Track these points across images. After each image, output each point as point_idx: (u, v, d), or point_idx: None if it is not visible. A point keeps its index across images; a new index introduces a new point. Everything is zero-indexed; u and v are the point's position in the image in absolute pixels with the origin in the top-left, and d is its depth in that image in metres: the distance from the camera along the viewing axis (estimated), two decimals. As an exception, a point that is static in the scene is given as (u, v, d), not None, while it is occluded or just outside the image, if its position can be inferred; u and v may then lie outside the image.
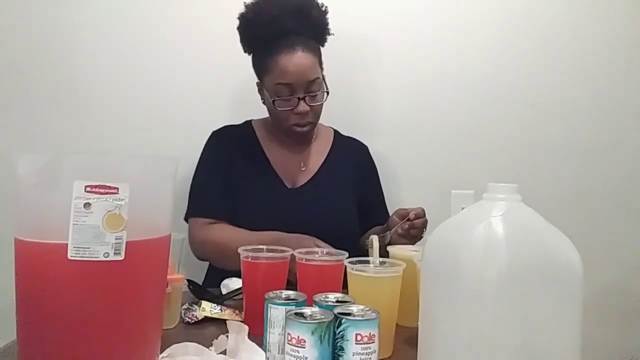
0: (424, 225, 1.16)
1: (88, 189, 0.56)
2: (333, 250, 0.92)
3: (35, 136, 1.47)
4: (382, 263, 0.85)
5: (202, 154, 1.35)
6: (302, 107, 1.23)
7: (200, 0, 1.53)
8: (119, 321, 0.60)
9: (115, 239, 0.57)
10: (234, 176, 1.30)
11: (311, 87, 1.23)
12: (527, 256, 0.56)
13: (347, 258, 0.86)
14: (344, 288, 0.85)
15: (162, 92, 1.52)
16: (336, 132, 1.47)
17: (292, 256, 0.90)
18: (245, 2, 1.25)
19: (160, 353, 0.68)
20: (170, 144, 1.50)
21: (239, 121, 1.41)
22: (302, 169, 1.35)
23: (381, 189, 1.46)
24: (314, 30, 1.27)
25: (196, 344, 0.73)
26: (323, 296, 0.74)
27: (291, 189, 1.32)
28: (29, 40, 1.48)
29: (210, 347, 0.75)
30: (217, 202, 1.27)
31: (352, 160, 1.42)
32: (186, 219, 1.29)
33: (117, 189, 0.57)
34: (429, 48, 1.59)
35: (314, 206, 1.29)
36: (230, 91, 1.54)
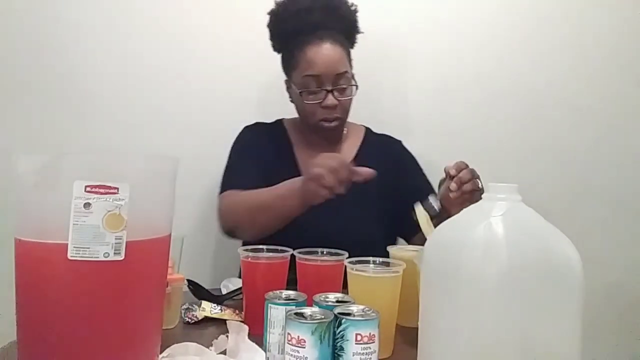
0: (473, 175, 1.03)
1: (88, 189, 0.56)
2: (333, 250, 0.92)
3: (35, 136, 1.47)
4: (382, 263, 0.85)
5: (233, 145, 1.32)
6: (330, 100, 1.21)
7: (202, 1, 1.53)
8: (119, 321, 0.60)
9: (115, 239, 0.57)
10: (264, 169, 1.25)
11: (339, 81, 1.22)
12: (527, 256, 0.56)
13: (347, 258, 0.86)
14: (344, 288, 0.85)
15: (162, 92, 1.52)
16: (368, 130, 1.42)
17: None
18: (275, 1, 1.27)
19: (160, 353, 0.68)
20: (170, 144, 1.50)
21: (240, 121, 1.41)
22: None
23: (426, 180, 1.36)
24: (342, 26, 1.26)
25: (196, 344, 0.73)
26: (323, 296, 0.74)
27: None
28: (29, 40, 1.48)
29: (210, 347, 0.75)
30: (249, 177, 1.22)
31: (384, 159, 1.33)
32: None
33: (117, 189, 0.57)
34: (429, 48, 1.59)
35: (334, 213, 1.19)
36: (232, 91, 1.54)
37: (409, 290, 0.78)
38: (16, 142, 1.45)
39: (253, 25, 1.52)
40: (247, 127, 1.36)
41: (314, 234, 1.01)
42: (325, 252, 0.91)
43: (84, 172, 0.57)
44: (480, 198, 1.00)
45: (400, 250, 0.95)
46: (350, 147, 1.36)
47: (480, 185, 1.03)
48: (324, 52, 1.20)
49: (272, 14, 1.26)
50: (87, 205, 0.56)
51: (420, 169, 1.41)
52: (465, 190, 1.01)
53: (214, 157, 1.37)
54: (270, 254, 0.90)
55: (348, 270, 0.82)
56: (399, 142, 1.43)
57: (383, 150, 1.38)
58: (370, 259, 0.84)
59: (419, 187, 1.34)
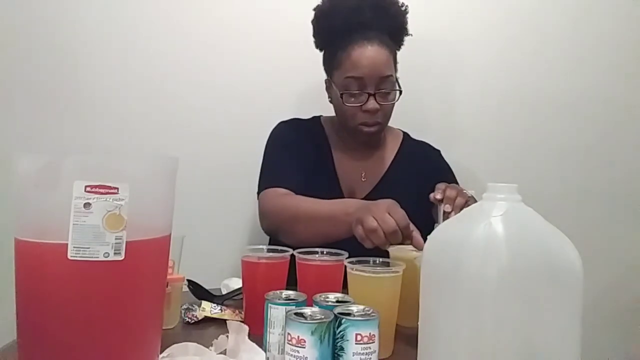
0: (457, 189, 1.03)
1: (88, 189, 0.56)
2: (333, 250, 0.92)
3: (35, 136, 1.47)
4: (382, 263, 0.85)
5: (270, 140, 1.28)
6: (372, 104, 1.17)
7: (203, 1, 1.53)
8: (119, 321, 0.60)
9: (115, 239, 0.57)
10: (304, 167, 1.22)
11: (383, 84, 1.17)
12: (527, 256, 0.56)
13: (347, 258, 0.86)
14: (344, 288, 0.85)
15: (162, 92, 1.52)
16: (405, 135, 1.38)
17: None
18: None
19: (160, 353, 0.68)
20: (170, 144, 1.50)
21: (238, 123, 1.40)
22: (363, 180, 1.27)
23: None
24: (391, 26, 1.22)
25: (196, 344, 0.73)
26: (323, 296, 0.74)
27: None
28: (29, 40, 1.48)
29: (210, 347, 0.75)
30: (291, 174, 1.20)
31: (421, 167, 1.30)
32: (259, 195, 1.22)
33: (117, 189, 0.57)
34: (428, 47, 1.59)
35: None
36: (234, 91, 1.54)
37: (409, 290, 0.78)
38: (16, 142, 1.45)
39: (254, 25, 1.53)
40: (283, 122, 1.32)
41: (342, 241, 0.95)
42: (325, 252, 0.91)
43: (84, 172, 0.57)
44: (466, 191, 1.03)
45: (400, 250, 0.95)
46: (388, 152, 1.33)
47: (469, 195, 1.04)
48: (369, 53, 1.15)
49: (318, 10, 1.22)
50: (87, 205, 0.56)
51: (456, 182, 1.32)
52: (459, 205, 1.01)
53: (214, 157, 1.37)
54: (270, 254, 0.90)
55: (348, 270, 0.82)
56: (438, 151, 1.39)
57: (421, 158, 1.34)
58: (370, 259, 0.84)
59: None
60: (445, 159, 1.39)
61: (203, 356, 0.71)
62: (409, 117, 1.43)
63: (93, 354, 0.58)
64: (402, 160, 1.32)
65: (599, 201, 1.62)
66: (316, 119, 1.36)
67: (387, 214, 0.88)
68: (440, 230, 0.65)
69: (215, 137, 1.40)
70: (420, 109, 1.60)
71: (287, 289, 0.82)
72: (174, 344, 0.72)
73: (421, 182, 1.20)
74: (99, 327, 0.58)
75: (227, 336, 0.75)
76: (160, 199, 0.65)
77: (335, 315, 0.64)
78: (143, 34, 1.51)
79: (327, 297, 0.74)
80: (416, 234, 0.89)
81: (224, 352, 0.73)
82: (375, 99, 1.17)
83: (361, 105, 1.17)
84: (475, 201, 1.01)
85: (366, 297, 0.74)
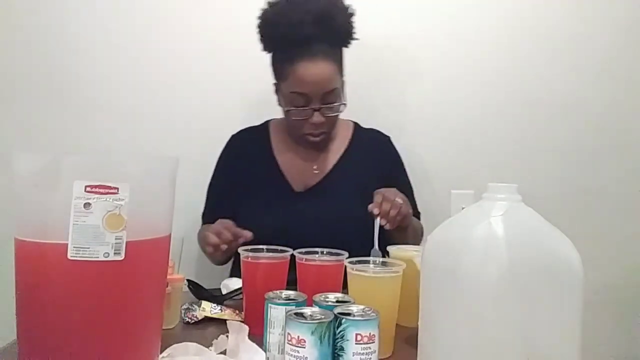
0: (389, 200, 1.09)
1: (88, 189, 0.56)
2: (333, 250, 0.92)
3: (35, 136, 1.47)
4: (382, 263, 0.85)
5: (218, 160, 1.36)
6: (317, 118, 1.19)
7: (202, 1, 1.53)
8: (119, 321, 0.60)
9: (115, 239, 0.57)
10: (240, 184, 1.29)
11: (328, 98, 1.18)
12: (527, 256, 0.56)
13: (347, 258, 0.86)
14: (344, 288, 0.85)
15: (163, 92, 1.52)
16: (356, 125, 1.40)
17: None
18: (267, 1, 1.20)
19: (160, 353, 0.68)
20: (170, 144, 1.50)
21: (238, 123, 1.40)
22: (315, 171, 1.31)
23: (408, 181, 1.38)
24: (337, 36, 1.20)
25: (196, 344, 0.73)
26: (323, 296, 0.74)
27: (298, 193, 1.28)
28: (29, 40, 1.48)
29: (210, 347, 0.75)
30: (215, 212, 1.27)
31: (372, 155, 1.35)
32: None
33: (117, 189, 0.57)
34: (429, 48, 1.59)
35: (319, 209, 1.23)
36: (233, 91, 1.54)
37: (409, 290, 0.78)
38: (16, 142, 1.45)
39: (254, 26, 1.53)
40: (232, 136, 1.37)
41: (303, 227, 1.07)
42: (325, 252, 0.91)
43: (84, 172, 0.58)
44: (407, 211, 1.11)
45: (400, 250, 0.95)
46: (340, 142, 1.35)
47: (400, 203, 1.10)
48: (314, 70, 1.14)
49: (262, 19, 1.20)
50: (87, 205, 0.56)
51: (404, 169, 1.40)
52: (392, 216, 1.08)
53: (214, 157, 1.37)
54: (270, 254, 0.90)
55: (348, 270, 0.82)
56: (388, 137, 1.42)
57: (372, 145, 1.38)
58: (370, 258, 0.84)
59: (401, 185, 1.33)
60: (445, 158, 1.40)
61: (203, 356, 0.71)
62: (391, 117, 1.44)
63: (93, 353, 0.58)
64: (356, 148, 1.35)
65: (599, 201, 1.62)
66: (265, 125, 1.38)
67: (224, 229, 1.07)
68: (440, 230, 0.65)
69: (215, 137, 1.40)
70: (418, 108, 1.60)
71: (287, 289, 0.82)
72: (174, 344, 0.72)
73: (373, 169, 1.30)
74: (99, 327, 0.58)
75: (227, 336, 0.75)
76: (160, 199, 0.65)
77: (335, 315, 0.64)
78: (143, 34, 1.51)
79: (327, 297, 0.74)
80: (239, 231, 1.09)
81: (224, 352, 0.73)
82: (321, 113, 1.19)
83: (307, 119, 1.20)
84: (407, 209, 1.11)
85: (366, 297, 0.74)
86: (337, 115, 1.24)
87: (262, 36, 1.21)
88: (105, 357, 0.59)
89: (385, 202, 1.09)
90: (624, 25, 1.62)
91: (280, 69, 1.21)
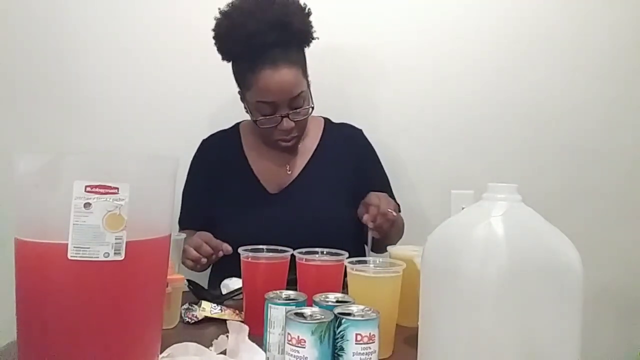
0: (378, 206, 1.10)
1: (88, 189, 0.56)
2: (333, 250, 0.92)
3: (35, 136, 1.47)
4: (382, 263, 0.85)
5: (190, 166, 1.35)
6: (286, 124, 1.18)
7: (199, 0, 1.53)
8: (119, 321, 0.60)
9: (115, 239, 0.57)
10: (213, 187, 1.29)
11: (295, 103, 1.17)
12: (527, 256, 0.56)
13: (347, 258, 0.86)
14: (344, 288, 0.85)
15: (162, 92, 1.53)
16: (327, 121, 1.39)
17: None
18: (219, 10, 1.17)
19: (160, 353, 0.68)
20: (170, 144, 1.50)
21: (239, 121, 1.40)
22: (288, 172, 1.30)
23: (384, 172, 1.38)
24: (296, 39, 1.19)
25: (196, 344, 0.73)
26: (323, 296, 0.74)
27: (272, 195, 1.27)
28: (29, 40, 1.48)
29: (210, 347, 0.75)
30: (189, 217, 1.27)
31: (345, 149, 1.34)
32: None
33: (117, 189, 0.57)
34: (429, 48, 1.59)
35: (294, 210, 1.22)
36: (233, 91, 1.54)
37: (409, 290, 0.78)
38: (16, 142, 1.45)
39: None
40: (203, 141, 1.37)
41: (279, 229, 1.06)
42: (325, 252, 0.91)
43: (84, 172, 0.57)
44: (395, 216, 1.11)
45: (400, 250, 0.95)
46: (311, 141, 1.34)
47: (394, 214, 1.11)
48: (278, 78, 1.12)
49: (217, 33, 1.17)
50: (87, 205, 0.56)
51: (378, 160, 1.40)
52: (384, 229, 1.11)
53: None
54: (270, 254, 0.90)
55: (348, 270, 0.82)
56: (360, 130, 1.41)
57: (344, 140, 1.36)
58: (370, 258, 0.84)
59: (376, 178, 1.37)
60: (443, 158, 1.40)
61: (203, 356, 0.71)
62: (391, 117, 1.43)
63: (93, 353, 0.58)
64: (327, 144, 1.34)
65: (599, 201, 1.62)
66: (235, 127, 1.38)
67: (203, 242, 1.08)
68: (440, 230, 0.65)
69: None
70: (418, 109, 1.60)
71: (287, 289, 0.82)
72: (174, 344, 0.72)
73: (346, 164, 1.31)
74: (99, 327, 0.58)
75: (227, 336, 0.75)
76: (160, 199, 0.65)
77: (335, 315, 0.64)
78: (143, 34, 1.51)
79: (327, 297, 0.74)
80: (218, 243, 1.09)
81: (224, 352, 0.73)
82: (289, 118, 1.18)
83: (276, 126, 1.19)
84: (399, 210, 1.15)
85: (366, 297, 0.74)
86: (306, 119, 1.23)
87: (219, 47, 1.20)
88: (105, 357, 0.59)
89: (380, 215, 1.09)
90: (624, 25, 1.62)
91: (242, 78, 1.19)
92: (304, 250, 0.91)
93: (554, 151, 1.62)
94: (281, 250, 0.91)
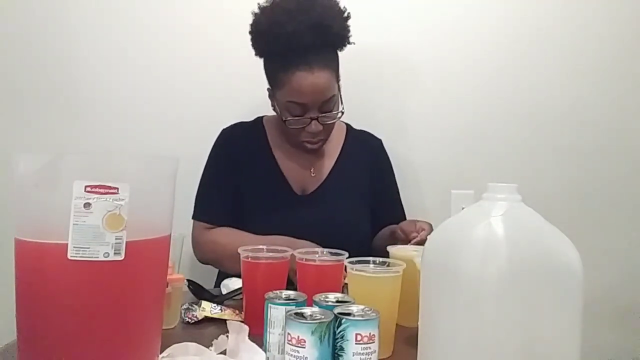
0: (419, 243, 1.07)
1: (88, 189, 0.56)
2: (333, 250, 0.92)
3: (35, 136, 1.47)
4: (382, 263, 0.85)
5: (210, 153, 1.31)
6: (315, 127, 1.17)
7: (199, 0, 1.53)
8: (119, 321, 0.60)
9: (115, 239, 0.57)
10: (240, 179, 1.26)
11: (326, 106, 1.17)
12: (527, 256, 0.56)
13: (347, 258, 0.86)
14: (344, 288, 0.85)
15: (162, 92, 1.53)
16: (348, 127, 1.40)
17: (292, 255, 0.90)
18: (259, 5, 1.17)
19: (160, 353, 0.68)
20: (170, 144, 1.50)
21: (240, 120, 1.40)
22: (312, 175, 1.30)
23: (396, 186, 1.41)
24: (333, 43, 1.19)
25: (196, 344, 0.73)
26: (323, 296, 0.74)
27: (300, 197, 1.27)
28: (28, 40, 1.48)
29: (210, 347, 0.75)
30: (218, 208, 1.25)
31: (365, 157, 1.36)
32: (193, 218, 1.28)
33: (117, 189, 0.57)
34: (429, 48, 1.59)
35: (323, 215, 1.24)
36: (232, 90, 1.54)
37: (409, 290, 0.78)
38: (16, 142, 1.45)
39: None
40: (224, 130, 1.33)
41: (305, 233, 1.05)
42: (325, 252, 0.91)
43: (84, 172, 0.57)
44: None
45: (400, 250, 0.95)
46: (332, 149, 1.35)
47: (423, 236, 1.07)
48: (311, 80, 1.12)
49: (255, 28, 1.17)
50: (87, 205, 0.56)
51: (394, 174, 1.42)
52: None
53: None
54: (270, 254, 0.90)
55: (348, 270, 0.82)
56: (379, 140, 1.43)
57: (364, 147, 1.38)
58: (370, 259, 0.84)
59: (389, 191, 1.39)
60: (443, 158, 1.41)
61: (203, 356, 0.71)
62: (391, 118, 1.44)
63: (93, 353, 0.58)
64: (350, 150, 1.35)
65: (599, 201, 1.62)
66: (258, 121, 1.36)
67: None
68: (440, 230, 0.65)
69: (215, 137, 1.40)
70: (418, 109, 1.60)
71: (287, 289, 0.82)
72: (174, 344, 0.72)
73: (367, 172, 1.33)
74: (99, 327, 0.58)
75: (227, 336, 0.75)
76: (160, 199, 0.65)
77: (335, 315, 0.64)
78: (143, 34, 1.51)
79: (327, 297, 0.74)
80: None
81: (224, 352, 0.73)
82: (318, 121, 1.17)
83: (304, 127, 1.18)
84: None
85: (366, 297, 0.74)
86: (334, 123, 1.22)
87: (255, 42, 1.19)
88: (105, 357, 0.59)
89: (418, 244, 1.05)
90: (625, 25, 1.62)
91: (274, 76, 1.18)
92: (303, 250, 0.91)
93: (554, 151, 1.62)
94: (281, 250, 0.91)
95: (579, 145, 1.62)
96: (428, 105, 1.60)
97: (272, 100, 1.25)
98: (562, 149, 1.62)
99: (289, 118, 1.18)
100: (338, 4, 1.19)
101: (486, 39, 1.60)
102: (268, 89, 1.24)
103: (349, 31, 1.20)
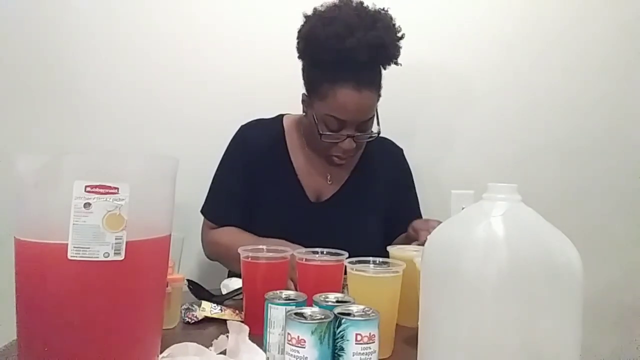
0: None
1: (88, 189, 0.56)
2: (333, 250, 0.92)
3: (35, 136, 1.47)
4: (382, 263, 0.85)
5: (227, 148, 1.29)
6: (349, 144, 1.15)
7: (199, 1, 1.53)
8: (119, 321, 0.60)
9: (115, 239, 0.57)
10: (254, 180, 1.24)
11: (363, 126, 1.15)
12: (527, 256, 0.56)
13: (347, 258, 0.86)
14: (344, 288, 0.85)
15: (162, 92, 1.52)
16: None
17: (292, 255, 0.90)
18: (315, 10, 1.13)
19: (160, 353, 0.68)
20: (170, 144, 1.50)
21: (238, 123, 1.40)
22: (329, 182, 1.27)
23: (416, 197, 1.37)
24: (384, 62, 1.16)
25: (196, 344, 0.73)
26: (323, 296, 0.74)
27: (313, 204, 1.25)
28: (28, 40, 1.48)
29: (210, 347, 0.75)
30: (225, 209, 1.24)
31: (384, 166, 1.32)
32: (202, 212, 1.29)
33: (117, 189, 0.57)
34: (429, 48, 1.59)
35: (334, 225, 1.22)
36: (233, 90, 1.54)
37: (409, 290, 0.78)
38: (16, 142, 1.45)
39: (254, 24, 1.53)
40: (242, 127, 1.31)
41: (317, 241, 0.99)
42: (325, 252, 0.91)
43: (84, 172, 0.58)
44: None
45: (400, 250, 0.95)
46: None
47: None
48: (359, 99, 1.10)
49: (310, 32, 1.12)
50: (87, 205, 0.56)
51: (414, 184, 1.38)
52: None
53: (214, 157, 1.36)
54: (270, 254, 0.90)
55: (348, 270, 0.82)
56: (401, 150, 1.40)
57: (385, 157, 1.35)
58: (370, 259, 0.84)
59: (409, 201, 1.36)
60: (445, 158, 1.40)
61: (203, 356, 0.71)
62: (390, 118, 1.42)
63: (93, 353, 0.58)
64: (369, 158, 1.30)
65: (599, 201, 1.62)
66: (278, 120, 1.32)
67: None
68: (440, 230, 0.65)
69: (215, 137, 1.40)
70: (418, 109, 1.60)
71: (287, 289, 0.82)
72: (174, 344, 0.72)
73: (384, 181, 1.29)
74: (99, 327, 0.58)
75: (227, 336, 0.75)
76: (160, 199, 0.65)
77: (335, 315, 0.64)
78: (143, 33, 1.51)
79: (327, 297, 0.74)
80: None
81: (224, 352, 0.73)
82: (354, 139, 1.15)
83: (338, 142, 1.16)
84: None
85: (366, 297, 0.74)
86: (366, 142, 1.20)
87: (304, 47, 1.15)
88: (105, 357, 0.59)
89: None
90: (625, 25, 1.62)
91: (318, 86, 1.14)
92: (303, 250, 0.91)
93: (554, 151, 1.62)
94: (281, 250, 0.91)
95: (579, 145, 1.62)
96: (428, 105, 1.60)
97: (307, 108, 1.21)
98: (562, 149, 1.62)
99: (326, 132, 1.15)
100: (395, 22, 1.15)
101: (487, 39, 1.60)
102: (304, 95, 1.21)
103: (399, 52, 1.16)
